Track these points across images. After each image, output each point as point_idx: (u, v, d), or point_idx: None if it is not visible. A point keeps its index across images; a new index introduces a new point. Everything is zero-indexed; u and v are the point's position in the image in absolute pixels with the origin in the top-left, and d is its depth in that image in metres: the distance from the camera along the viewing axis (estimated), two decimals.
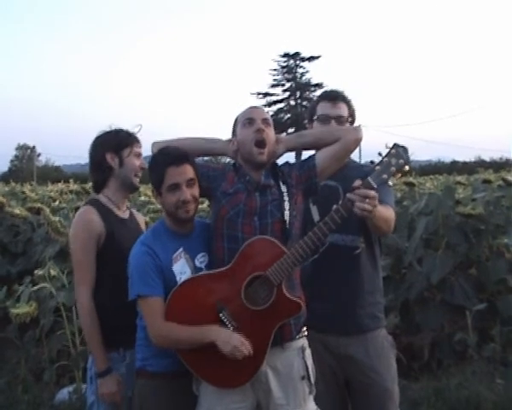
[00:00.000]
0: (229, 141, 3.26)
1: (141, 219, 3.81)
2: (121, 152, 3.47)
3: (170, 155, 3.07)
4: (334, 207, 3.00)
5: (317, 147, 3.24)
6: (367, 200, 2.85)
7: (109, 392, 3.31)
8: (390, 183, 2.99)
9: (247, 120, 3.17)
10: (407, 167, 2.93)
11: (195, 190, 3.08)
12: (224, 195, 3.13)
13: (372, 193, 2.86)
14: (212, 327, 2.92)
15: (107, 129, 3.55)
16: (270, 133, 3.16)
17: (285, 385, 3.05)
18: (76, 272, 3.44)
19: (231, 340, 2.87)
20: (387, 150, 2.91)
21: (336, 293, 3.42)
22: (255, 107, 3.31)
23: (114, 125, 3.58)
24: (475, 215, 6.39)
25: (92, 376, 3.42)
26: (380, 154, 2.92)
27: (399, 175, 2.97)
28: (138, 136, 3.58)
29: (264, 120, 3.17)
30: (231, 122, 3.31)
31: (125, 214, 3.58)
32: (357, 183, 2.88)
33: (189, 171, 3.07)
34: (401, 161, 2.89)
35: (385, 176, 2.89)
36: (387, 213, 3.23)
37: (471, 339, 5.88)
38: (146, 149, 3.51)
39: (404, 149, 2.91)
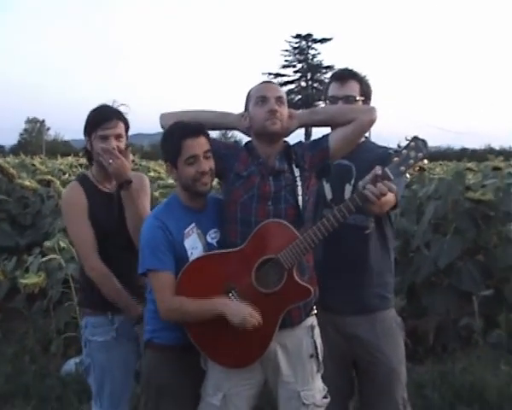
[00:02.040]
0: (242, 115, 3.23)
1: (140, 180, 3.62)
2: (90, 135, 3.39)
3: (186, 127, 3.04)
4: (350, 195, 3.01)
5: (330, 125, 3.23)
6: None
7: None
8: (407, 175, 2.98)
9: (259, 98, 3.10)
10: (426, 161, 2.93)
11: (212, 163, 3.06)
12: (238, 177, 3.11)
13: (390, 192, 2.87)
14: (221, 299, 2.93)
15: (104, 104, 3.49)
16: (284, 111, 3.11)
17: (294, 363, 3.07)
18: (77, 247, 3.51)
19: (240, 311, 2.88)
20: (407, 142, 2.90)
21: (344, 272, 3.42)
22: (269, 82, 3.26)
23: (116, 101, 3.50)
24: (485, 201, 6.35)
25: (86, 339, 3.50)
26: (399, 145, 2.91)
27: (417, 168, 2.97)
28: (123, 113, 3.46)
29: (278, 99, 3.10)
30: (242, 101, 3.26)
31: (110, 189, 3.50)
32: (375, 172, 2.87)
33: (205, 142, 3.05)
34: (420, 154, 2.87)
35: (402, 168, 2.88)
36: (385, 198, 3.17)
37: (477, 325, 5.90)
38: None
39: (424, 142, 2.89)
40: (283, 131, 3.13)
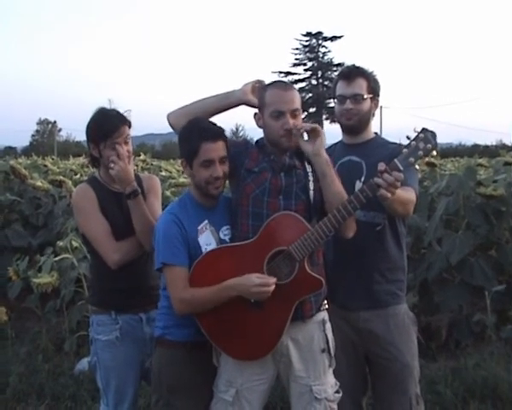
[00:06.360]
0: (250, 86, 3.24)
1: (150, 181, 3.64)
2: (99, 144, 3.36)
3: (207, 130, 3.04)
4: (360, 186, 3.00)
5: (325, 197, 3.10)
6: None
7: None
8: (417, 166, 2.97)
9: (275, 112, 3.04)
10: (434, 152, 2.91)
11: (226, 168, 3.08)
12: (249, 173, 3.11)
13: (398, 184, 2.85)
14: (230, 282, 2.92)
15: (103, 107, 3.47)
16: (299, 122, 3.07)
17: (305, 357, 3.08)
18: (94, 241, 3.41)
19: (251, 285, 2.87)
20: (416, 134, 2.88)
21: (356, 268, 3.42)
22: (284, 89, 3.09)
23: (111, 103, 3.52)
24: (496, 196, 6.33)
25: (92, 337, 3.52)
26: (408, 137, 2.90)
27: (426, 159, 2.95)
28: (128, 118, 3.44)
29: (294, 111, 3.04)
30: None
31: (119, 189, 3.43)
32: (383, 166, 2.86)
33: (222, 147, 3.06)
34: (429, 145, 2.85)
35: (412, 159, 2.86)
36: (405, 195, 3.17)
37: (489, 320, 5.88)
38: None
39: (433, 133, 2.87)
40: (297, 145, 3.09)
